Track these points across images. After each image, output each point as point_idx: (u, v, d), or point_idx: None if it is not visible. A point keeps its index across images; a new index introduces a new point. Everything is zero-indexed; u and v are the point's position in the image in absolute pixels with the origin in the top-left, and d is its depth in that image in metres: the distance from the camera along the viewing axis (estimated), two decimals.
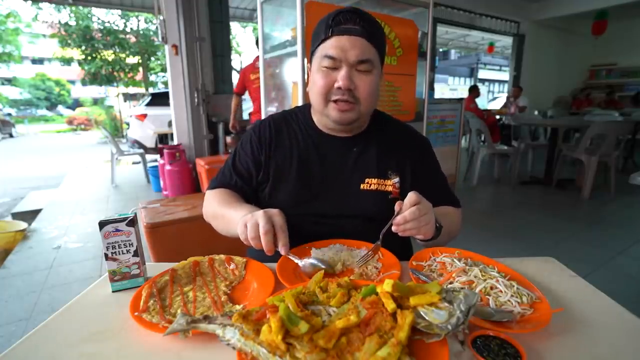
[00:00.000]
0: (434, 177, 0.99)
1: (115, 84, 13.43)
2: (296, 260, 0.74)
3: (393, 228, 0.72)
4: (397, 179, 0.91)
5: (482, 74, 24.32)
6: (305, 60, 1.76)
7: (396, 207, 0.73)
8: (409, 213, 0.71)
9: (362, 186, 0.90)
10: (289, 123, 0.97)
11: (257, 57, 3.28)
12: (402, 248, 1.00)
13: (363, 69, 0.81)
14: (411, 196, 0.72)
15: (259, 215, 0.71)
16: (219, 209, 0.89)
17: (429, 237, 0.77)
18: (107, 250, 0.68)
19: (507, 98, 7.27)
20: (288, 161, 0.92)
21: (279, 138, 0.94)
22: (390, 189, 0.90)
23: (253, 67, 3.46)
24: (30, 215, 3.52)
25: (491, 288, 0.63)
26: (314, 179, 0.91)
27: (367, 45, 0.80)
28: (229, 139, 4.37)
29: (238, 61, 13.97)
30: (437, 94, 12.08)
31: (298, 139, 0.94)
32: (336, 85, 0.81)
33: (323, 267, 0.71)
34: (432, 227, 0.75)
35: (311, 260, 0.73)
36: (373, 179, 0.90)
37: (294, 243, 0.81)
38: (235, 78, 4.67)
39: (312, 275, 0.66)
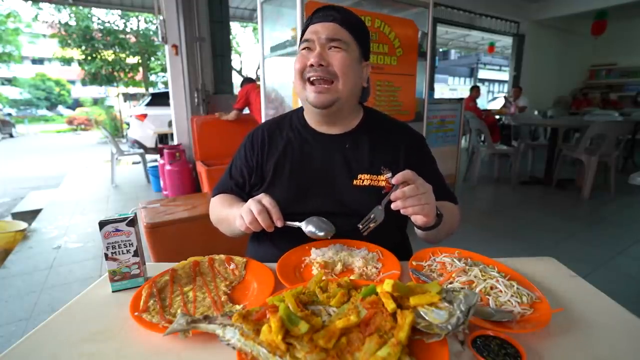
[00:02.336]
0: (428, 174, 0.97)
1: (115, 84, 13.43)
2: (297, 224, 0.80)
3: (392, 205, 0.72)
4: (389, 174, 0.91)
5: (482, 74, 24.33)
6: None
7: (393, 180, 0.71)
8: (408, 189, 0.70)
9: (354, 182, 0.91)
10: (281, 126, 1.00)
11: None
12: (402, 248, 1.01)
13: (334, 45, 0.85)
14: (406, 172, 0.71)
15: (249, 202, 0.78)
16: (221, 213, 0.94)
17: (431, 222, 0.75)
18: (107, 250, 0.68)
19: (505, 98, 7.27)
20: (281, 162, 0.94)
21: (272, 142, 0.97)
22: (383, 184, 0.91)
23: (257, 89, 3.65)
24: (30, 215, 3.52)
25: (491, 288, 0.63)
26: (307, 178, 0.92)
27: (338, 28, 0.86)
28: None
29: (238, 61, 13.99)
30: (437, 94, 12.08)
31: (291, 139, 0.96)
32: (308, 63, 0.85)
33: (322, 233, 0.79)
34: (433, 209, 0.74)
35: (310, 227, 0.80)
36: (365, 175, 0.91)
37: (292, 243, 0.83)
38: (235, 78, 4.70)
39: (313, 235, 0.79)
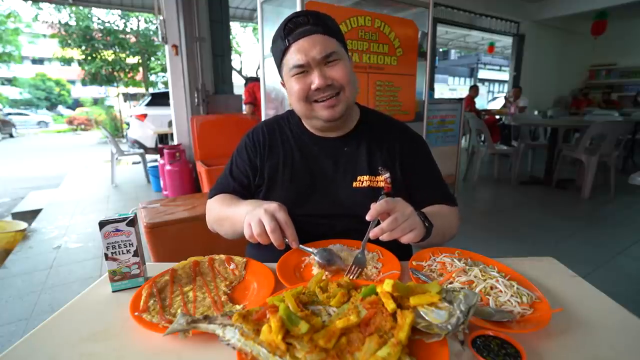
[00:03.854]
0: (426, 173, 0.98)
1: (115, 84, 13.43)
2: (310, 250, 0.75)
3: (371, 235, 0.69)
4: (387, 175, 0.91)
5: (482, 74, 24.35)
6: None
7: (367, 218, 0.68)
8: (386, 224, 0.67)
9: (354, 184, 0.91)
10: (281, 127, 0.99)
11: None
12: (402, 248, 1.00)
13: (331, 59, 0.82)
14: (379, 205, 0.68)
15: (261, 213, 0.72)
16: (222, 212, 0.91)
17: (419, 240, 0.73)
18: (107, 250, 0.68)
19: (506, 98, 7.27)
20: (281, 164, 0.94)
21: (272, 142, 0.96)
22: (382, 184, 0.91)
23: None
24: (30, 215, 3.52)
25: (491, 288, 0.63)
26: (307, 181, 0.92)
27: (326, 39, 0.81)
28: None
29: (238, 61, 13.99)
30: (437, 94, 12.08)
31: (290, 142, 0.96)
32: (313, 87, 0.82)
33: (337, 261, 0.73)
34: (420, 231, 0.71)
35: (325, 253, 0.74)
36: (364, 176, 0.91)
37: None
38: (235, 78, 4.75)
39: (328, 266, 0.72)
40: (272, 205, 0.74)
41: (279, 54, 0.85)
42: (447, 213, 0.91)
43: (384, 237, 0.69)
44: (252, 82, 4.16)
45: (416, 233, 0.70)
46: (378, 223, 0.70)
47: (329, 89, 0.82)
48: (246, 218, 0.75)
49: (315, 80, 0.81)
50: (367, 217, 0.68)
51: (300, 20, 0.81)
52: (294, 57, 0.81)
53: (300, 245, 0.75)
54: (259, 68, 3.75)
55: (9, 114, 18.77)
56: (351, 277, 0.70)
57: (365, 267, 0.74)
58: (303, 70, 0.82)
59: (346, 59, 0.86)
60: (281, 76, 0.91)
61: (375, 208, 0.68)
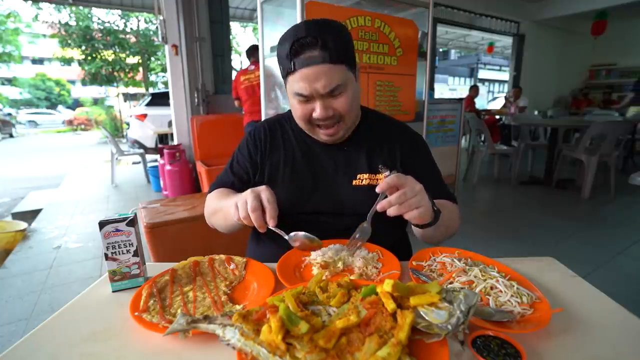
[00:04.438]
0: (426, 172, 0.97)
1: (115, 84, 13.43)
2: (283, 234, 0.76)
3: (378, 208, 0.69)
4: (387, 173, 0.91)
5: (482, 74, 24.35)
6: None
7: (377, 189, 0.69)
8: (394, 197, 0.67)
9: (354, 182, 0.91)
10: (282, 126, 0.99)
11: (251, 62, 3.74)
12: (402, 248, 1.01)
13: (336, 92, 0.80)
14: (391, 178, 0.68)
15: (247, 193, 0.73)
16: (217, 204, 0.92)
17: (427, 221, 0.72)
18: (107, 250, 0.68)
19: (506, 99, 7.27)
20: (282, 162, 0.94)
21: (273, 140, 0.97)
22: None
23: (245, 71, 3.73)
24: (30, 215, 3.52)
25: (491, 288, 0.63)
26: (307, 179, 0.93)
27: (333, 70, 0.78)
28: None
29: (238, 61, 13.98)
30: (437, 94, 12.08)
31: (291, 141, 0.97)
32: (314, 115, 0.83)
33: (311, 240, 0.76)
34: (426, 210, 0.69)
35: (300, 235, 0.76)
36: (364, 175, 0.92)
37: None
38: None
39: (302, 249, 0.76)
40: (260, 187, 0.75)
41: (284, 72, 0.84)
42: (450, 208, 0.91)
43: (390, 212, 0.67)
44: (237, 73, 3.84)
45: (422, 211, 0.68)
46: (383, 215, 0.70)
47: (330, 118, 0.83)
48: (234, 200, 0.75)
49: (318, 110, 0.82)
50: (377, 189, 0.69)
51: (308, 41, 0.76)
52: (298, 84, 0.79)
53: (276, 229, 0.73)
54: (249, 50, 3.72)
55: (34, 112, 18.85)
56: (351, 248, 0.74)
57: (366, 242, 0.77)
58: (305, 99, 0.82)
59: (351, 85, 0.83)
60: (285, 85, 0.90)
61: (386, 181, 0.68)
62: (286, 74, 0.83)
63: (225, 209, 0.85)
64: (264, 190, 0.74)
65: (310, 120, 0.85)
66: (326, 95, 0.80)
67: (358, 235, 0.76)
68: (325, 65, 0.77)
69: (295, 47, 0.77)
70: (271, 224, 0.71)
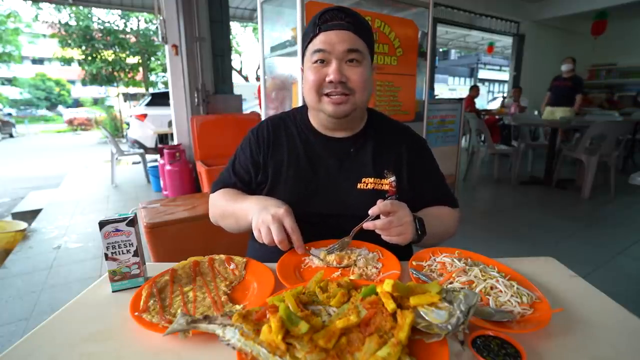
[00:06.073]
0: (430, 177, 0.99)
1: (115, 84, 13.42)
2: (316, 254, 0.78)
3: (364, 226, 0.76)
4: (393, 178, 0.92)
5: (482, 74, 24.35)
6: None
7: (370, 211, 0.75)
8: (380, 223, 0.74)
9: (358, 185, 0.91)
10: (286, 124, 0.98)
11: None
12: (402, 248, 1.00)
13: (353, 58, 0.83)
14: (384, 204, 0.74)
15: (269, 221, 0.75)
16: (226, 207, 0.92)
17: (406, 243, 0.78)
18: (107, 250, 0.68)
19: (503, 99, 7.27)
20: (285, 162, 0.93)
21: (277, 139, 0.96)
22: (386, 187, 0.91)
23: None
24: (30, 215, 3.52)
25: (491, 288, 0.63)
26: (311, 179, 0.92)
27: (354, 37, 0.83)
28: None
29: (238, 61, 13.99)
30: (437, 94, 12.06)
31: (295, 140, 0.96)
32: (327, 79, 0.83)
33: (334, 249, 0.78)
34: (407, 238, 0.76)
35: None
36: (369, 179, 0.91)
37: (292, 243, 0.82)
38: (235, 78, 4.72)
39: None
40: (280, 211, 0.77)
41: (307, 39, 0.88)
42: (446, 217, 0.93)
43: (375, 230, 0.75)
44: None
45: (401, 238, 0.76)
46: (378, 217, 0.76)
47: (341, 86, 0.83)
48: (254, 221, 0.78)
49: (331, 73, 0.82)
50: (370, 212, 0.75)
51: (335, 14, 0.83)
52: (319, 43, 0.83)
53: (308, 251, 0.79)
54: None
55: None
56: (329, 255, 0.76)
57: (346, 252, 0.79)
58: (323, 56, 0.83)
59: (367, 64, 0.86)
60: (302, 57, 0.92)
61: (379, 206, 0.74)
62: (309, 41, 0.87)
63: (237, 214, 0.88)
64: (285, 217, 0.76)
65: (321, 89, 0.85)
66: (343, 58, 0.83)
67: (337, 246, 0.79)
68: (348, 31, 0.82)
69: (325, 16, 0.84)
70: (300, 251, 0.77)
